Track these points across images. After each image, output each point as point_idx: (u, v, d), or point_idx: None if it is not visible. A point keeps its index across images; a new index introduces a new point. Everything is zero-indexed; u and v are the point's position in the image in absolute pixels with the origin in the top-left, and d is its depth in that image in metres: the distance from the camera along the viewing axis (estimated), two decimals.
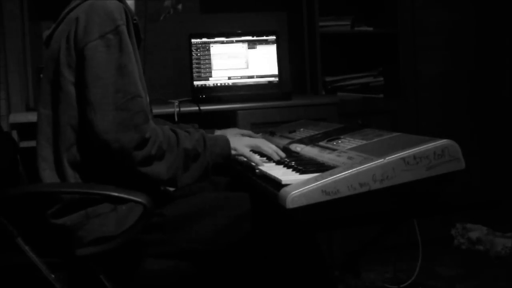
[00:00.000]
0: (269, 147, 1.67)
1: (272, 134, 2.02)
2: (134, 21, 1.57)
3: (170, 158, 1.45)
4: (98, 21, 1.41)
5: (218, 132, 1.98)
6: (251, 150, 1.65)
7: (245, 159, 1.64)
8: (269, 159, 1.66)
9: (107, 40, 1.40)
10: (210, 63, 2.82)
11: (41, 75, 1.60)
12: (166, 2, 1.72)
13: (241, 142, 1.64)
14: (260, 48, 2.87)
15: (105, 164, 1.44)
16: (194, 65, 2.80)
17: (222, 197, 1.60)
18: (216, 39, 2.83)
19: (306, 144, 1.71)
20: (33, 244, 1.42)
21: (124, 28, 1.43)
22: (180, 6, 1.77)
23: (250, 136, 1.98)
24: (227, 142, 1.60)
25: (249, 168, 1.61)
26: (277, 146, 1.80)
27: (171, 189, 1.73)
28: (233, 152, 1.61)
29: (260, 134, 2.14)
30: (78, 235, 1.43)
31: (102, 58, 1.39)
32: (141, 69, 1.56)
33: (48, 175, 1.49)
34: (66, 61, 1.44)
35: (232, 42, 2.84)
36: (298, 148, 1.72)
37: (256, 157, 1.62)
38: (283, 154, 1.66)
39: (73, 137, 1.46)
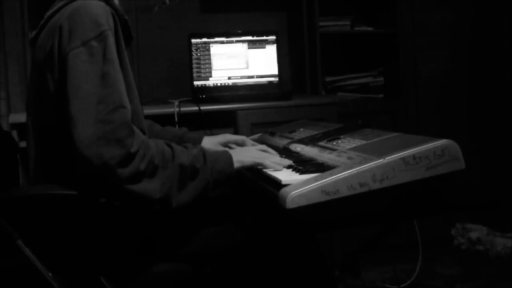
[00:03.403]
0: (272, 162, 1.51)
1: (272, 134, 2.02)
2: (124, 20, 1.50)
3: (164, 175, 1.33)
4: (82, 27, 1.32)
5: (206, 140, 1.89)
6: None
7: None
8: None
9: (90, 48, 1.31)
10: (210, 63, 2.82)
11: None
12: None
13: (247, 154, 1.54)
14: (260, 48, 2.87)
15: (95, 181, 1.34)
16: (194, 65, 2.80)
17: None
18: (216, 39, 2.83)
19: (306, 144, 1.71)
20: (33, 246, 1.42)
21: (109, 33, 1.35)
22: None
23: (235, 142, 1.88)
24: (229, 158, 1.47)
25: (249, 168, 1.61)
26: (277, 146, 1.80)
27: None
28: (239, 164, 1.48)
29: (260, 134, 2.14)
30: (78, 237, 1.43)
31: (84, 67, 1.30)
32: (130, 73, 1.48)
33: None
34: (50, 73, 1.37)
35: (232, 42, 2.84)
36: (298, 148, 1.72)
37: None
38: (286, 163, 1.53)
39: (61, 154, 1.38)
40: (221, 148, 1.80)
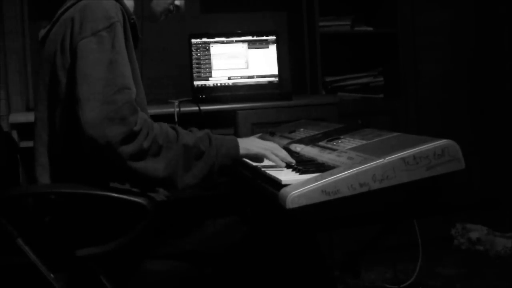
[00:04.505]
0: (276, 155, 1.53)
1: (272, 134, 2.02)
2: (132, 21, 1.54)
3: (168, 155, 1.36)
4: (92, 19, 1.38)
5: None
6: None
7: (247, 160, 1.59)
8: None
9: (100, 37, 1.36)
10: (210, 63, 2.82)
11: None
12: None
13: (253, 143, 1.54)
14: (260, 48, 2.87)
15: (103, 169, 1.39)
16: (194, 65, 2.80)
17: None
18: (216, 39, 2.83)
19: (306, 144, 1.71)
20: (33, 245, 1.42)
21: (118, 25, 1.40)
22: (181, 3, 1.73)
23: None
24: (235, 141, 1.49)
25: (249, 167, 1.61)
26: None
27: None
28: (244, 151, 1.49)
29: (260, 134, 2.14)
30: (78, 235, 1.43)
31: (93, 55, 1.34)
32: (137, 68, 1.53)
33: (46, 181, 1.48)
34: (61, 63, 1.42)
35: (232, 42, 2.84)
36: (298, 148, 1.72)
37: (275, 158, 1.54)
38: (290, 160, 1.54)
39: (69, 142, 1.42)
40: None
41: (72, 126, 1.38)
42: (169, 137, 1.38)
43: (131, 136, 1.31)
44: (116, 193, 1.38)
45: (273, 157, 1.52)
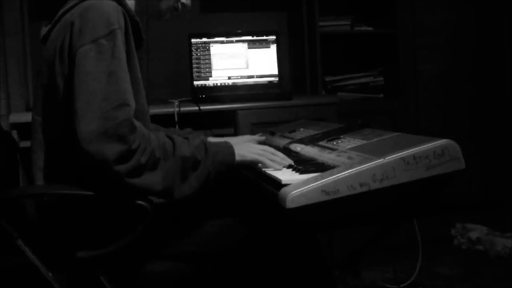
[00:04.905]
0: (272, 160, 1.53)
1: (272, 134, 2.02)
2: (135, 21, 1.53)
3: (165, 167, 1.35)
4: (92, 25, 1.34)
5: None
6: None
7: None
8: None
9: (99, 45, 1.32)
10: (210, 63, 2.82)
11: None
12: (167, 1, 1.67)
13: (249, 149, 1.55)
14: (260, 48, 2.87)
15: (98, 176, 1.36)
16: (194, 65, 2.80)
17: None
18: (216, 39, 2.83)
19: (306, 144, 1.71)
20: (33, 246, 1.42)
21: (119, 32, 1.36)
22: (188, 1, 1.70)
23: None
24: (231, 149, 1.50)
25: (248, 168, 1.61)
26: (277, 146, 1.80)
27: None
28: (240, 158, 1.50)
29: (260, 134, 2.14)
30: (78, 237, 1.43)
31: (92, 64, 1.31)
32: (138, 73, 1.50)
33: (42, 183, 1.47)
34: (60, 69, 1.39)
35: (232, 42, 2.84)
36: (298, 148, 1.72)
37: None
38: (286, 163, 1.54)
39: (65, 147, 1.40)
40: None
41: (68, 133, 1.35)
42: (166, 149, 1.37)
43: (128, 155, 1.29)
44: (116, 194, 1.38)
45: (269, 162, 1.52)
